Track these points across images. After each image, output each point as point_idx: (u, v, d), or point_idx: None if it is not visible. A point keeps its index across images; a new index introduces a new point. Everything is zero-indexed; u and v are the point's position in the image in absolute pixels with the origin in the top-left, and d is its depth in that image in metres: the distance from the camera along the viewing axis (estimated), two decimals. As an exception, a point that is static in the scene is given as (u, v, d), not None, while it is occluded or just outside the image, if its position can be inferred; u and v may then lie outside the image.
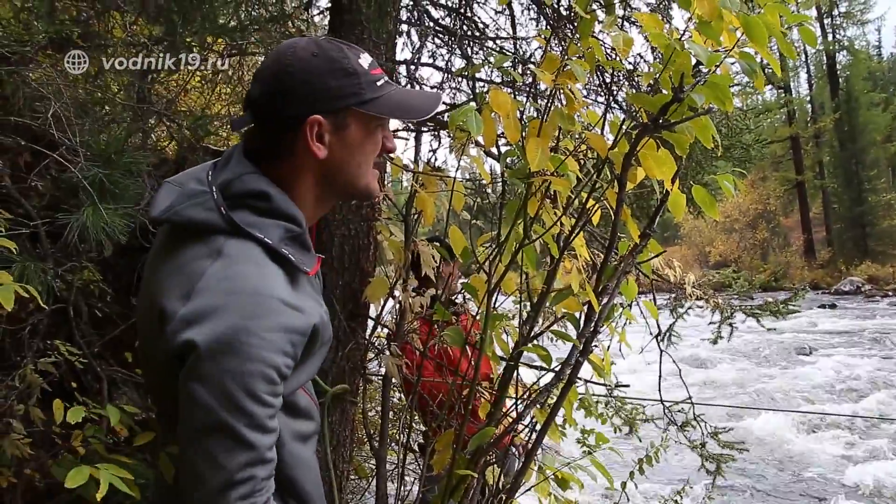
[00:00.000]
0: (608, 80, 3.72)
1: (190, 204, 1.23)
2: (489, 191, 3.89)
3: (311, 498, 1.37)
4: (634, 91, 3.58)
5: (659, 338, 3.03)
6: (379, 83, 1.32)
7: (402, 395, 2.93)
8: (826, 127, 38.16)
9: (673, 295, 3.87)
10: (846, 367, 11.63)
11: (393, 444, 3.23)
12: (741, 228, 38.84)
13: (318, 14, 4.45)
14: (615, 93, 3.70)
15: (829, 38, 39.23)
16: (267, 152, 1.30)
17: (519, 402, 2.22)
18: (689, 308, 3.82)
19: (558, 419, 2.20)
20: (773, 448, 7.67)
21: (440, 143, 3.41)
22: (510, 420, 2.14)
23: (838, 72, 39.16)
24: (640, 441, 3.53)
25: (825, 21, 38.86)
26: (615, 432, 3.86)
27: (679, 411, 3.74)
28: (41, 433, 2.15)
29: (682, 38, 1.73)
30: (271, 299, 1.14)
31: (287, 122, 1.26)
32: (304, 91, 1.25)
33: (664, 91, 1.78)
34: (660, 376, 3.44)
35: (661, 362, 3.10)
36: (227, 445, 1.08)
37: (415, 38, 3.89)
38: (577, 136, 2.18)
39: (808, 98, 42.78)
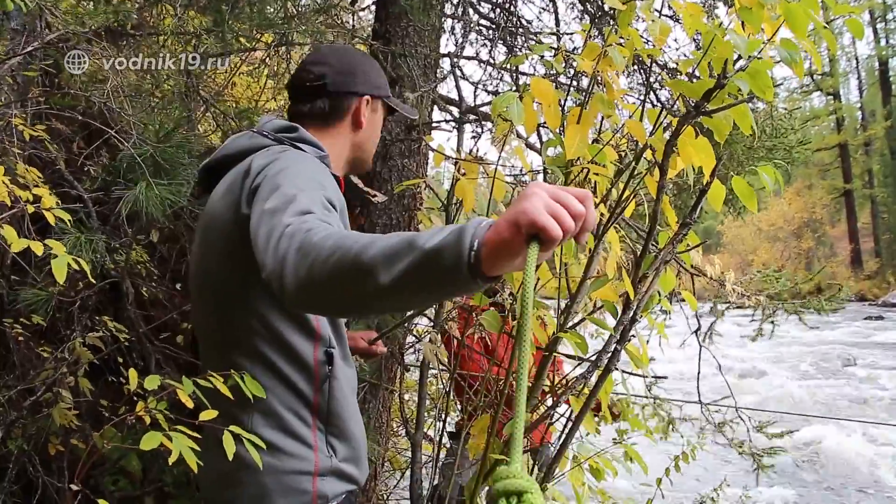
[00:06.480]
0: (648, 78, 3.70)
1: (236, 139, 1.53)
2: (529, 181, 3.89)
3: (354, 438, 1.51)
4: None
5: (697, 334, 3.01)
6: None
7: (442, 384, 2.95)
8: (877, 135, 37.24)
9: (712, 301, 3.83)
10: (893, 380, 11.33)
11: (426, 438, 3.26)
12: (785, 237, 38.15)
13: (363, 10, 4.51)
14: (654, 90, 3.69)
15: (882, 42, 38.24)
16: (320, 115, 1.61)
17: (556, 389, 2.22)
18: (728, 307, 3.78)
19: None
20: (814, 457, 7.53)
21: (481, 134, 3.44)
22: (546, 408, 2.14)
23: (891, 78, 38.13)
24: (682, 437, 3.50)
25: (878, 25, 37.88)
26: (651, 432, 3.83)
27: (717, 411, 3.70)
28: (87, 406, 2.22)
29: (723, 26, 1.73)
30: (318, 162, 1.44)
31: (351, 94, 1.63)
32: (363, 76, 1.65)
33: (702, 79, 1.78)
34: (698, 375, 3.42)
35: (699, 359, 3.08)
36: (285, 208, 1.15)
37: (458, 32, 3.92)
38: (615, 128, 2.18)
39: (859, 105, 41.72)
